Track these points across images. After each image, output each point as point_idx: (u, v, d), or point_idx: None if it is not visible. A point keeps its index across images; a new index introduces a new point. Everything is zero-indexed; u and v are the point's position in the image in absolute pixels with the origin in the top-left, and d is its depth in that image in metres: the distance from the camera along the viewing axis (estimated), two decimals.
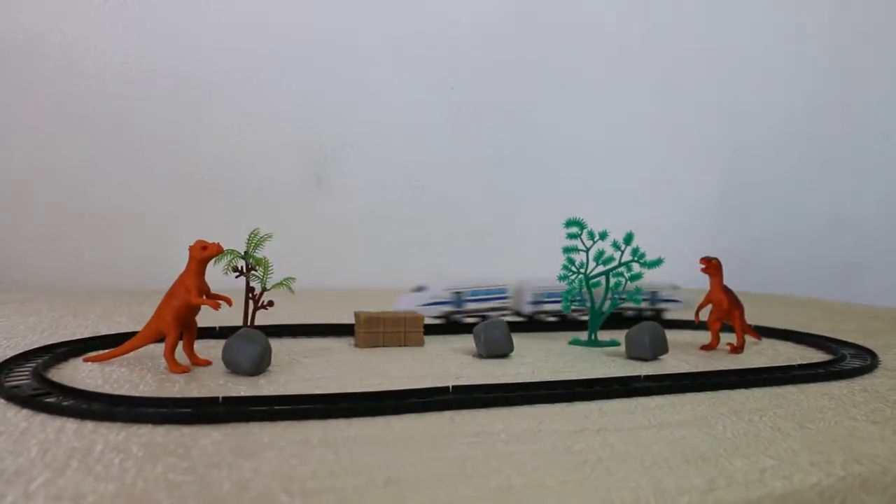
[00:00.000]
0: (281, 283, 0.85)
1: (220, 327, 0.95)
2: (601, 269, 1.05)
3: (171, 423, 0.60)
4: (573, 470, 0.54)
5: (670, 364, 0.92)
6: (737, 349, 1.01)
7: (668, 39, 1.98)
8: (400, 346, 0.98)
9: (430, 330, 1.04)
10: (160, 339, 0.80)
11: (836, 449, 0.61)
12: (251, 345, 0.78)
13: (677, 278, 1.23)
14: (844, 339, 1.09)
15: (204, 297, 0.80)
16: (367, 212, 1.74)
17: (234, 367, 0.78)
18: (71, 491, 0.46)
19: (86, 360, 0.81)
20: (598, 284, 1.06)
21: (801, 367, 0.89)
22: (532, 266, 1.32)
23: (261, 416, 0.62)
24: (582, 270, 1.05)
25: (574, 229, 1.04)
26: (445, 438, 0.60)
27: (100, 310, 1.19)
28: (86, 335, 0.93)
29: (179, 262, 0.80)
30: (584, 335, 1.08)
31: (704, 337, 1.07)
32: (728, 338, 1.06)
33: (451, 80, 1.81)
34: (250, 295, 0.85)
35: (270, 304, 0.85)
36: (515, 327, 1.07)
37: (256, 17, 1.66)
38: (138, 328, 0.83)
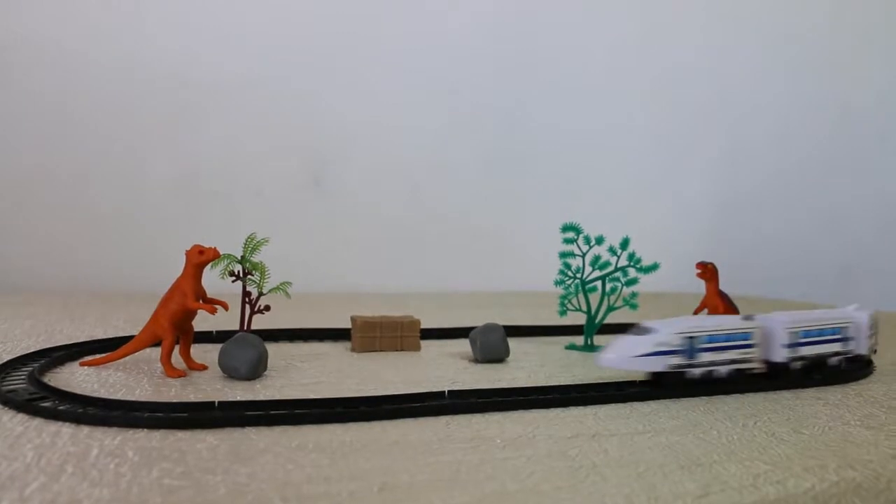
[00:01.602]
0: (277, 288, 0.85)
1: (217, 331, 0.95)
2: (597, 274, 1.06)
3: (166, 427, 0.60)
4: (568, 476, 0.54)
5: None
6: None
7: (664, 42, 1.98)
8: (396, 350, 0.98)
9: (427, 335, 1.04)
10: (157, 344, 0.80)
11: (830, 454, 0.61)
12: (248, 349, 0.78)
13: (674, 283, 1.22)
14: None
15: (200, 301, 0.80)
16: (365, 214, 1.74)
17: (231, 372, 0.78)
18: (66, 496, 0.46)
19: (82, 365, 0.81)
20: (594, 289, 1.06)
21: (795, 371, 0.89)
22: (531, 269, 1.32)
23: (257, 421, 0.62)
24: (578, 275, 1.05)
25: (570, 234, 1.04)
26: (441, 444, 0.60)
27: (97, 313, 1.18)
28: (82, 339, 0.93)
29: (176, 267, 0.81)
30: (580, 340, 1.08)
31: None
32: None
33: (450, 82, 1.81)
34: (247, 299, 0.85)
35: (267, 308, 0.85)
36: (511, 332, 1.07)
37: (254, 18, 1.66)
38: (135, 332, 0.83)
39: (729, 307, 1.02)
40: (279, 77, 1.67)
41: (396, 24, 1.76)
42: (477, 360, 0.93)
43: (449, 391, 0.71)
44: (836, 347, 0.88)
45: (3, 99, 1.50)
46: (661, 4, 1.98)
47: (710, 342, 0.80)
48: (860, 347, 0.91)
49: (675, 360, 0.78)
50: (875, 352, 0.96)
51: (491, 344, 0.93)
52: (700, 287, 1.05)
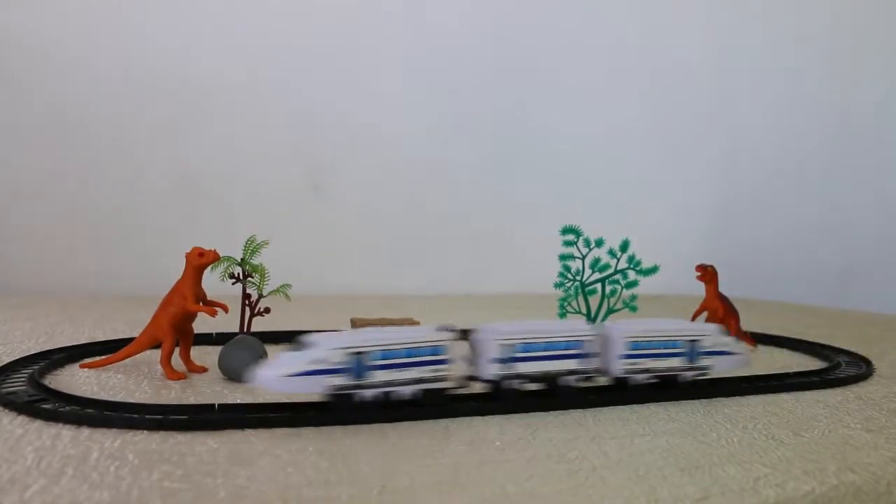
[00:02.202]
0: (277, 290, 0.85)
1: (217, 334, 0.95)
2: (597, 276, 1.05)
3: (166, 430, 0.60)
4: (567, 478, 0.54)
5: None
6: None
7: (664, 42, 1.98)
8: None
9: None
10: (157, 346, 0.80)
11: (830, 457, 0.61)
12: (248, 351, 0.78)
13: (673, 285, 1.23)
14: (839, 346, 1.09)
15: (200, 303, 0.80)
16: (365, 216, 1.74)
17: (231, 374, 0.78)
18: (66, 499, 0.46)
19: (82, 367, 0.81)
20: (594, 292, 1.06)
21: (795, 374, 0.89)
22: (531, 271, 1.32)
23: (257, 424, 0.62)
24: (578, 278, 1.05)
25: (570, 237, 1.04)
26: (440, 446, 0.60)
27: (96, 315, 1.19)
28: (82, 341, 0.93)
29: (176, 269, 0.81)
30: None
31: None
32: None
33: (449, 83, 1.81)
34: (247, 301, 0.85)
35: (267, 310, 0.85)
36: None
37: (254, 22, 1.66)
38: (135, 334, 0.83)
39: (728, 309, 1.03)
40: (279, 79, 1.68)
41: (396, 26, 1.76)
42: None
43: (447, 395, 0.71)
44: (571, 365, 0.75)
45: (3, 99, 1.50)
46: (661, 4, 1.98)
47: (385, 359, 0.67)
48: (610, 365, 0.77)
49: (339, 381, 0.65)
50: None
51: None
52: (700, 289, 1.05)
